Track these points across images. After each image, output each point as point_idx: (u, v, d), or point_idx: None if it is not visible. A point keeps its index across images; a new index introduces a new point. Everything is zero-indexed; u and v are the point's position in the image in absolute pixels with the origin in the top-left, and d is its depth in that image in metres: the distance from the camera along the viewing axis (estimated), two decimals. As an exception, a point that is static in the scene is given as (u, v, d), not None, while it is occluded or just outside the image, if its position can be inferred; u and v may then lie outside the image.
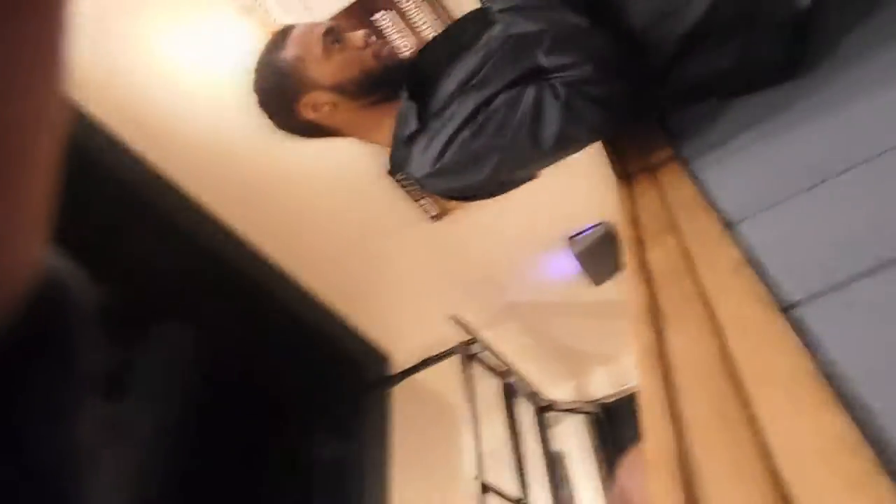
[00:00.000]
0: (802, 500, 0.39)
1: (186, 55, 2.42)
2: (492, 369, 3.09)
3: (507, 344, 3.42)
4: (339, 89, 1.07)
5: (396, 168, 1.14)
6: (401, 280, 3.29)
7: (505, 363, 3.21)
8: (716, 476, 0.44)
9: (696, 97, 1.06)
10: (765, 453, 0.43)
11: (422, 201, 3.06)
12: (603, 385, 3.57)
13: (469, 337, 3.02)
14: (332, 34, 1.07)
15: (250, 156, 2.75)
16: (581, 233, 3.09)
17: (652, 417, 0.51)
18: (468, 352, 2.95)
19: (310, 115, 1.09)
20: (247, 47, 2.33)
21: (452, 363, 2.94)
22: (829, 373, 0.48)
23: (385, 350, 3.47)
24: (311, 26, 1.09)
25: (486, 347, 3.09)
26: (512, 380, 3.16)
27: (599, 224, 3.05)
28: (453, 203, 3.04)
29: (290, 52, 1.07)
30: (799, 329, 0.54)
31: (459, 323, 3.02)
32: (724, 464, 0.44)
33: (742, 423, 0.47)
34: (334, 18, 1.01)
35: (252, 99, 1.13)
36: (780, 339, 0.52)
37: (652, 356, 0.58)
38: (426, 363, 3.13)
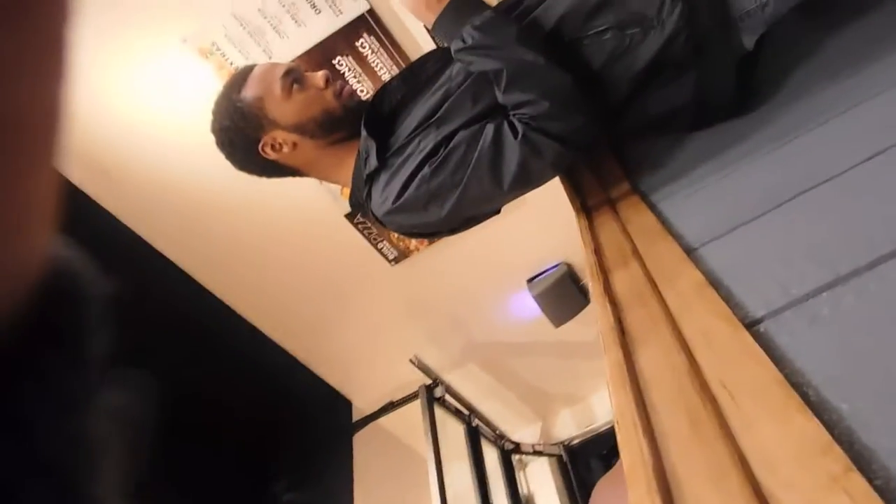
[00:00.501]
0: (781, 501, 0.40)
1: (141, 98, 2.40)
2: (456, 412, 3.06)
3: (470, 386, 3.39)
4: (300, 129, 1.08)
5: (357, 206, 1.14)
6: (362, 324, 3.26)
7: (469, 406, 3.18)
8: (694, 485, 0.44)
9: (653, 132, 1.10)
10: (741, 460, 0.44)
11: (381, 245, 3.06)
12: (569, 426, 3.56)
13: (432, 380, 2.99)
14: (293, 74, 1.08)
15: (209, 200, 2.72)
16: (540, 274, 3.12)
17: (627, 432, 0.51)
18: (431, 395, 2.91)
19: (270, 154, 1.09)
20: (203, 89, 2.34)
21: (416, 407, 2.90)
22: (795, 382, 0.49)
23: (348, 396, 3.41)
24: (272, 66, 1.09)
25: (450, 390, 3.06)
26: (476, 423, 3.12)
27: (558, 265, 3.09)
28: (413, 245, 3.05)
29: (249, 91, 1.07)
30: (764, 342, 0.55)
31: (421, 365, 2.99)
32: (702, 473, 0.45)
33: (716, 432, 0.47)
34: (294, 61, 1.02)
35: (210, 140, 1.12)
36: (747, 352, 0.53)
37: (623, 373, 0.58)
38: (389, 408, 3.08)
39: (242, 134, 1.08)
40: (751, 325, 0.59)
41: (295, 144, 1.09)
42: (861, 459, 0.40)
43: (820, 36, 1.07)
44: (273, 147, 1.09)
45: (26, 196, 0.17)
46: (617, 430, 0.53)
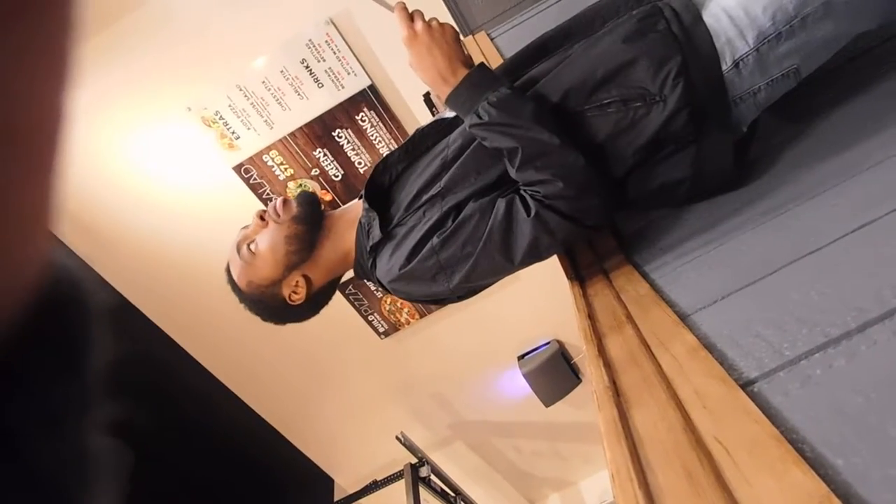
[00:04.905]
0: (780, 552, 0.39)
1: (139, 159, 2.44)
2: (442, 494, 2.96)
3: (457, 467, 3.30)
4: (291, 268, 1.13)
5: (362, 275, 1.16)
6: (348, 398, 3.20)
7: (455, 488, 3.08)
8: (691, 539, 0.43)
9: (649, 205, 1.12)
10: (738, 513, 0.43)
11: (371, 317, 3.04)
12: (557, 512, 3.45)
13: (417, 458, 2.91)
14: (242, 245, 1.13)
15: (197, 266, 2.72)
16: (531, 351, 3.10)
17: (623, 486, 0.50)
18: (417, 475, 2.83)
19: (298, 299, 1.15)
20: (202, 156, 2.38)
21: (400, 487, 2.81)
22: (791, 438, 0.49)
23: (330, 472, 3.31)
24: (232, 258, 1.15)
25: (436, 470, 2.97)
26: (462, 505, 3.02)
27: (549, 342, 3.07)
28: (403, 319, 3.04)
29: (241, 283, 1.14)
30: (759, 402, 0.55)
31: (407, 443, 2.92)
32: (699, 526, 0.44)
33: (713, 487, 0.47)
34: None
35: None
36: (743, 410, 0.54)
37: (618, 429, 0.58)
38: (373, 487, 2.98)
39: (275, 306, 1.16)
40: (745, 386, 0.59)
41: (304, 276, 1.14)
42: (860, 512, 0.40)
43: (812, 116, 1.12)
44: (295, 292, 1.15)
45: (25, 202, 0.16)
46: (612, 484, 0.52)
